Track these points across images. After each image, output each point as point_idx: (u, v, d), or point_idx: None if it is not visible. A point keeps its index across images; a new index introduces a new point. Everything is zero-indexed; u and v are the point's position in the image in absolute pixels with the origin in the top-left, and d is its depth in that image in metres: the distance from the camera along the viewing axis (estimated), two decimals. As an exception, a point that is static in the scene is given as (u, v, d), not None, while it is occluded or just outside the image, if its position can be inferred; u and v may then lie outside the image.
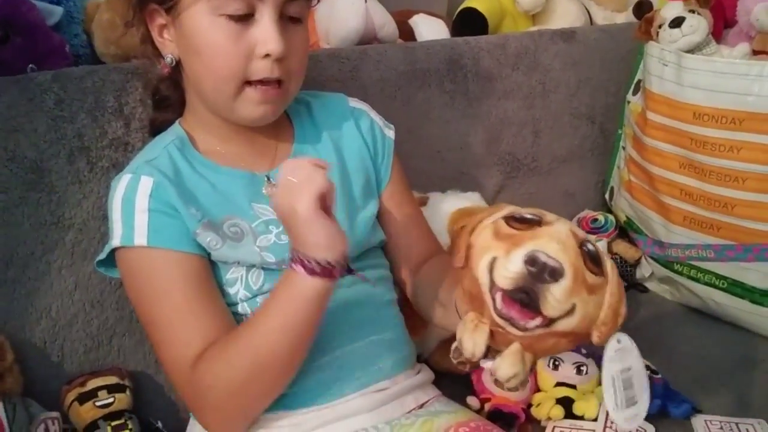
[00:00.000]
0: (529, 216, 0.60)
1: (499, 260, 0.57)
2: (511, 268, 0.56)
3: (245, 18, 0.72)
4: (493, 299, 0.58)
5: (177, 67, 0.79)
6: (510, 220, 0.60)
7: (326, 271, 0.66)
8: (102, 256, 0.78)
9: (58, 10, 1.04)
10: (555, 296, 0.55)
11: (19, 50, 0.96)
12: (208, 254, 0.77)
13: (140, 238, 0.74)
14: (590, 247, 0.59)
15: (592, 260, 0.58)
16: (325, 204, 0.66)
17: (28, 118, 0.88)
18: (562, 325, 0.57)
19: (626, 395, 0.64)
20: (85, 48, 1.09)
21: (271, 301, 0.71)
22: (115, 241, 0.75)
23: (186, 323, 0.73)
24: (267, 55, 0.73)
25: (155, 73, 0.85)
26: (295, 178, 0.65)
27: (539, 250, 0.56)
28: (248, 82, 0.74)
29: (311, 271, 0.66)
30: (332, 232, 0.66)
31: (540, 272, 0.55)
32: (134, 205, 0.75)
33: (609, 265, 0.61)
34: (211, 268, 0.77)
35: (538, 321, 0.57)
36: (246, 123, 0.79)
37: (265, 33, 0.72)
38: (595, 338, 0.60)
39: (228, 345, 0.71)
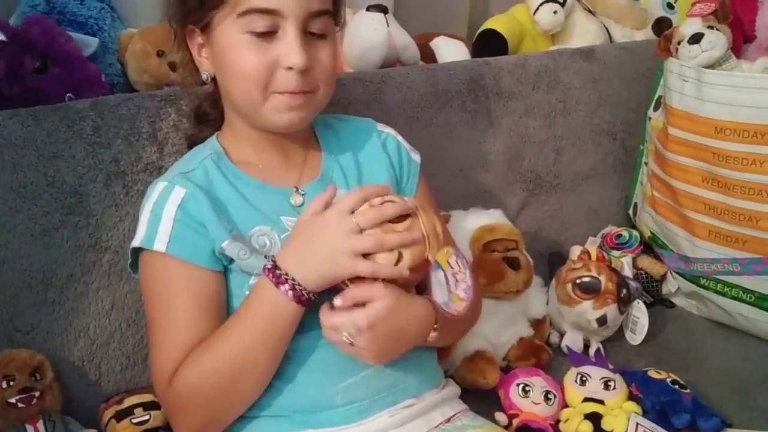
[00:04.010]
0: None
1: None
2: None
3: (270, 35, 0.76)
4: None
5: (216, 84, 0.83)
6: None
7: (310, 302, 0.73)
8: (129, 259, 0.82)
9: (93, 41, 1.08)
10: (380, 258, 0.71)
11: (57, 80, 1.00)
12: (225, 267, 0.79)
13: (160, 244, 0.77)
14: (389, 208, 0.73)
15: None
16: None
17: (67, 144, 0.91)
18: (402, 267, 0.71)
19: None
20: (119, 77, 1.13)
21: (251, 315, 0.75)
22: (136, 241, 0.79)
23: (178, 335, 0.76)
24: (290, 68, 0.76)
25: (196, 92, 0.90)
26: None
27: None
28: (274, 92, 0.78)
29: (299, 300, 0.72)
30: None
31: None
32: (162, 212, 0.78)
33: (409, 202, 0.74)
34: (224, 287, 0.80)
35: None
36: (276, 129, 0.82)
37: (288, 47, 0.75)
38: (430, 257, 0.73)
39: (206, 353, 0.74)
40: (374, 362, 0.76)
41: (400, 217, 0.72)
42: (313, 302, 0.73)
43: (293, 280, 0.72)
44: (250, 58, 0.76)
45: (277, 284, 0.72)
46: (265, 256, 0.78)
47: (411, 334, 0.78)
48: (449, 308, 0.72)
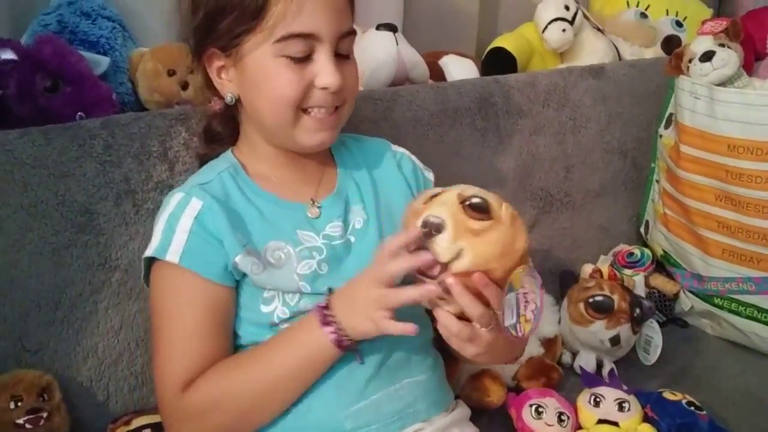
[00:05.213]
0: (431, 193, 0.73)
1: None
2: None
3: (305, 58, 0.78)
4: None
5: (233, 104, 0.84)
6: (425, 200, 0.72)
7: (350, 348, 0.73)
8: (143, 271, 0.82)
9: (105, 61, 1.08)
10: (440, 245, 0.67)
11: (68, 99, 1.00)
12: (237, 282, 0.79)
13: (173, 255, 0.77)
14: (474, 200, 0.69)
15: (477, 209, 0.69)
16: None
17: (78, 163, 0.91)
18: (457, 266, 0.68)
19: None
20: (130, 96, 1.13)
21: (291, 347, 0.75)
22: (149, 251, 0.79)
23: (188, 345, 0.76)
24: (324, 88, 0.78)
25: (205, 112, 0.91)
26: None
27: (428, 214, 0.69)
28: (304, 110, 0.80)
29: (339, 344, 0.73)
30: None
31: (428, 230, 0.68)
32: (178, 223, 0.78)
33: (503, 209, 0.70)
34: (233, 302, 0.79)
35: (438, 268, 0.68)
36: (304, 150, 0.84)
37: (323, 69, 0.78)
38: (498, 273, 0.68)
39: (237, 372, 0.74)
40: (476, 357, 0.73)
41: (482, 214, 0.69)
42: (355, 350, 0.74)
43: (338, 323, 0.72)
44: (288, 83, 0.77)
45: (323, 324, 0.73)
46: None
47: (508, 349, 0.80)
48: (516, 330, 0.70)
